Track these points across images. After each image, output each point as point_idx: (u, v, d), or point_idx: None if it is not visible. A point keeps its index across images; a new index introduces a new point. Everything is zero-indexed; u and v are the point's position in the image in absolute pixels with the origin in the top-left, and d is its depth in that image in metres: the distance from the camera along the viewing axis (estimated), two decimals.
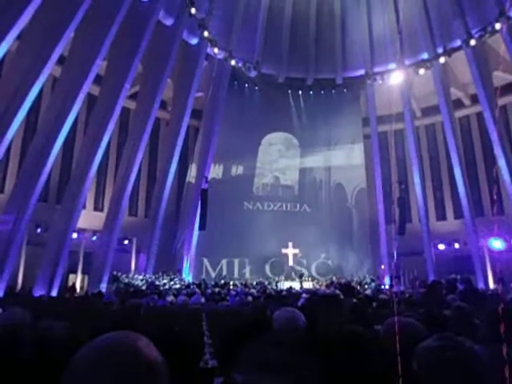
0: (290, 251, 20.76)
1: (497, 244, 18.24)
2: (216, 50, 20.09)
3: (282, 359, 1.02)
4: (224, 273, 20.17)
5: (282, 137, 24.57)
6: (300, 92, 23.62)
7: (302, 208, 23.47)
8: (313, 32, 22.81)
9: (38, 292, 14.01)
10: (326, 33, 22.70)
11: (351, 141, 23.66)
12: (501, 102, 20.05)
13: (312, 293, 10.92)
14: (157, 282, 16.99)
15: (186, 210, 20.58)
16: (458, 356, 1.19)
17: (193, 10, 18.09)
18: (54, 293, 14.63)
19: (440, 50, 20.02)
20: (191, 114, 19.98)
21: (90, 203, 19.64)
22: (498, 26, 17.72)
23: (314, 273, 20.15)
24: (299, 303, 7.93)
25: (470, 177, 20.70)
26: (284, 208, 23.32)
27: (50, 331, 2.09)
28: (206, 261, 20.86)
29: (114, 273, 17.01)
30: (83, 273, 18.53)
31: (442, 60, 19.96)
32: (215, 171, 22.28)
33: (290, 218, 21.88)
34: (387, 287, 18.13)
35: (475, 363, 1.20)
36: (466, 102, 22.42)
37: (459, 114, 22.31)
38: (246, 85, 22.82)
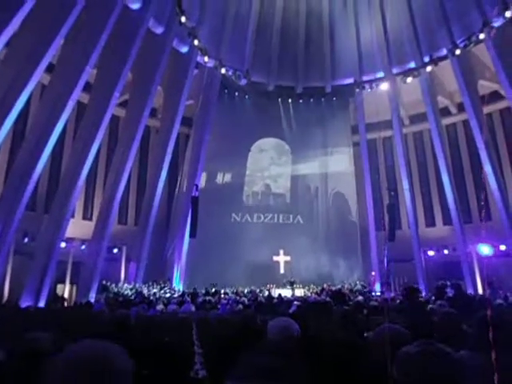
0: (282, 258, 20.75)
1: (485, 250, 18.48)
2: (206, 59, 20.18)
3: (274, 367, 1.02)
4: (215, 281, 20.00)
5: (273, 142, 24.45)
6: (290, 100, 23.81)
7: (295, 219, 23.15)
8: (302, 41, 23.10)
9: (25, 303, 13.72)
10: (315, 42, 23.00)
11: (341, 148, 23.90)
12: (486, 110, 20.44)
13: (303, 300, 10.91)
14: (145, 291, 16.79)
15: (177, 218, 20.46)
16: (438, 362, 1.20)
17: (183, 19, 18.17)
18: (41, 303, 14.36)
19: (426, 59, 20.40)
20: (181, 122, 19.97)
21: (78, 212, 19.41)
22: (482, 35, 18.14)
23: (305, 280, 20.11)
24: (290, 311, 7.92)
25: (457, 183, 20.99)
26: (276, 220, 23.02)
27: (36, 343, 2.06)
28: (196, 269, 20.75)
29: (104, 282, 16.77)
30: (71, 283, 18.23)
31: (428, 69, 20.33)
32: (204, 179, 22.25)
33: (281, 226, 21.96)
34: (378, 294, 18.20)
35: (455, 369, 1.21)
36: (453, 109, 22.84)
37: (446, 121, 22.70)
38: (236, 93, 22.95)
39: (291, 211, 23.30)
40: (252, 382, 0.96)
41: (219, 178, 23.15)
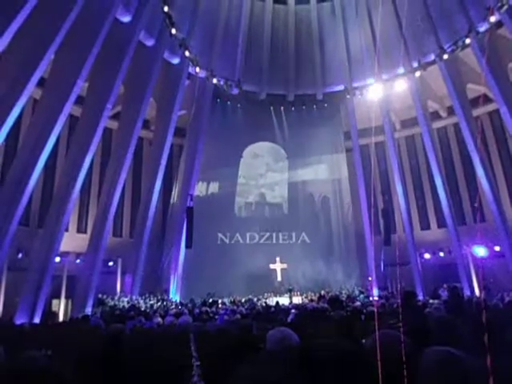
0: (278, 266, 20.69)
1: (480, 251, 18.60)
2: (197, 69, 20.30)
3: (272, 378, 1.03)
4: (211, 291, 19.87)
5: (268, 147, 23.88)
6: (282, 108, 23.96)
7: (298, 238, 21.87)
8: (292, 49, 23.35)
9: (20, 319, 13.51)
10: (305, 50, 23.27)
11: (334, 154, 24.03)
12: (476, 112, 20.72)
13: (301, 308, 10.86)
14: (142, 303, 16.63)
15: (172, 229, 20.36)
16: (459, 372, 1.20)
17: (173, 31, 18.30)
18: (36, 319, 14.15)
19: (415, 65, 20.69)
20: (174, 133, 20.00)
21: (72, 225, 19.26)
22: (468, 40, 18.46)
23: (302, 287, 20.05)
24: (289, 319, 7.88)
25: (450, 186, 21.18)
26: (274, 240, 21.70)
27: (31, 363, 2.03)
28: (218, 239, 20.93)
29: (99, 296, 16.59)
30: (67, 297, 18.00)
31: (417, 74, 20.61)
32: (199, 189, 22.19)
33: (276, 227, 21.98)
34: (376, 298, 18.17)
35: (474, 379, 1.22)
36: (443, 113, 23.13)
37: (437, 125, 22.98)
38: (229, 102, 23.06)
39: (291, 227, 22.12)
40: None
41: (213, 189, 22.59)
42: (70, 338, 6.02)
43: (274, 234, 22.08)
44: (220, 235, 21.42)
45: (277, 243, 21.56)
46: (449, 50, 19.38)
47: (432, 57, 20.14)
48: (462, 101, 19.53)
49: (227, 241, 21.48)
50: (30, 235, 16.01)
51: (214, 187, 22.61)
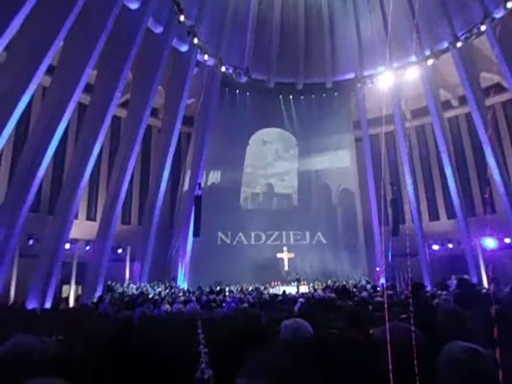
0: (286, 255, 20.75)
1: (490, 243, 18.41)
2: (206, 57, 20.15)
3: (285, 367, 1.02)
4: (219, 279, 20.03)
5: (278, 133, 23.12)
6: (291, 96, 23.74)
7: (313, 238, 21.07)
8: (302, 37, 23.00)
9: (32, 304, 13.80)
10: (315, 37, 22.90)
11: (342, 144, 23.81)
12: (489, 102, 20.31)
13: (308, 297, 10.90)
14: (150, 291, 16.83)
15: (180, 217, 20.49)
16: (484, 370, 1.18)
17: (182, 18, 18.13)
18: (47, 304, 14.43)
19: (428, 53, 20.28)
20: (183, 121, 19.95)
21: (82, 213, 19.46)
22: (483, 27, 18.01)
23: (309, 276, 20.12)
24: (296, 308, 7.91)
25: (461, 176, 20.91)
26: (284, 240, 20.79)
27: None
28: (218, 239, 20.59)
29: (109, 282, 16.84)
30: (77, 283, 18.30)
31: (429, 62, 20.21)
32: (207, 178, 22.12)
33: (284, 221, 21.73)
34: (383, 289, 18.14)
35: (496, 377, 1.20)
36: (455, 103, 22.71)
37: (448, 114, 22.59)
38: (237, 91, 22.90)
39: (301, 220, 21.31)
40: (262, 380, 0.97)
41: (218, 178, 21.99)
42: (80, 324, 6.12)
43: (285, 233, 21.32)
44: (220, 234, 20.76)
45: (283, 228, 21.25)
46: (462, 37, 18.94)
47: (445, 45, 19.71)
48: (474, 90, 19.12)
49: (229, 239, 20.86)
50: (40, 222, 16.21)
51: (219, 177, 22.10)
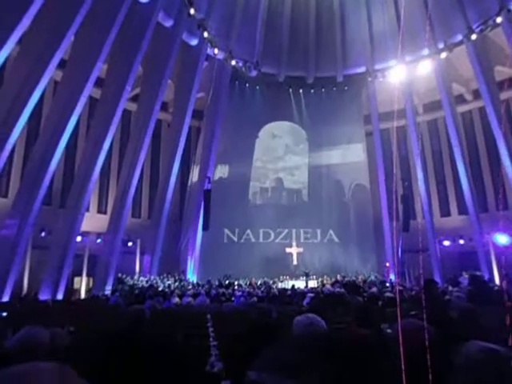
0: (294, 250, 20.74)
1: (502, 239, 18.14)
2: (216, 51, 20.08)
3: (298, 362, 1.02)
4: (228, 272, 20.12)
5: (287, 127, 22.76)
6: (301, 90, 23.56)
7: (325, 236, 20.54)
8: (312, 30, 22.76)
9: (44, 296, 14.05)
10: (326, 30, 22.64)
11: (353, 138, 23.59)
12: (503, 96, 19.91)
13: (317, 292, 10.90)
14: (160, 284, 16.98)
15: (189, 211, 20.58)
16: (502, 370, 1.16)
17: (192, 11, 18.07)
18: (59, 296, 14.67)
19: (441, 46, 19.92)
20: (192, 115, 19.96)
21: (93, 206, 19.68)
22: (499, 19, 17.61)
23: (318, 271, 20.09)
24: (304, 302, 7.92)
25: (473, 172, 20.61)
26: (294, 236, 20.13)
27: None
28: (225, 237, 20.47)
29: (119, 275, 17.04)
30: (88, 275, 18.57)
31: (443, 55, 19.86)
32: (217, 172, 22.10)
33: (294, 217, 21.70)
34: (393, 284, 18.05)
35: None
36: (468, 97, 22.32)
37: (461, 109, 22.22)
38: (247, 85, 22.80)
39: (311, 215, 20.84)
40: (274, 374, 0.96)
41: (227, 172, 21.74)
42: (92, 316, 6.21)
43: (294, 231, 20.86)
44: (227, 231, 20.45)
45: (293, 223, 21.01)
46: (477, 29, 18.55)
47: (459, 37, 19.33)
48: (489, 84, 18.75)
49: (236, 237, 20.50)
50: (52, 215, 16.43)
51: (227, 171, 21.88)
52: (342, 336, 1.49)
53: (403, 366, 1.32)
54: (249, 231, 20.67)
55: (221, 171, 21.76)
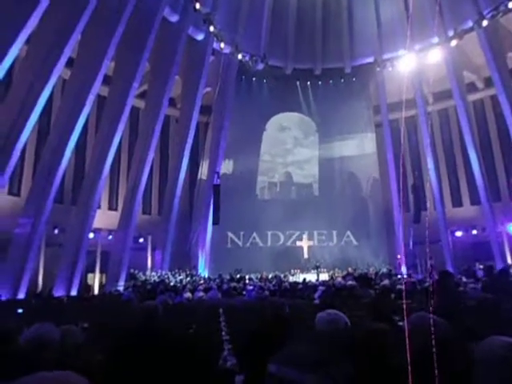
0: (305, 243, 20.70)
1: None
2: (222, 45, 19.98)
3: (319, 358, 1.02)
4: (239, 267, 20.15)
5: (296, 118, 22.25)
6: (308, 83, 23.35)
7: (341, 239, 19.72)
8: (319, 21, 22.49)
9: (58, 292, 14.29)
10: (333, 21, 22.35)
11: (362, 129, 23.35)
12: None
13: (328, 285, 10.87)
14: (172, 279, 17.12)
15: (199, 206, 20.65)
16: None
17: (197, 5, 17.97)
18: (73, 292, 14.91)
19: (451, 33, 19.51)
20: (200, 110, 19.95)
21: (104, 203, 19.87)
22: (510, 4, 17.16)
23: (329, 264, 20.03)
24: (316, 296, 7.90)
25: (485, 161, 20.27)
26: (306, 236, 19.30)
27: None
28: (229, 241, 20.30)
29: (131, 271, 17.23)
30: (101, 271, 18.81)
31: (453, 43, 19.45)
32: (226, 166, 22.05)
33: (303, 209, 21.50)
34: (404, 277, 17.94)
35: None
36: (480, 85, 21.89)
37: (473, 97, 21.82)
38: (254, 78, 22.68)
39: (322, 210, 19.85)
40: (295, 368, 0.97)
41: (235, 167, 21.39)
42: (105, 312, 6.28)
43: (307, 233, 20.20)
44: (230, 234, 19.97)
45: (303, 216, 20.76)
46: (488, 15, 18.10)
47: (469, 24, 18.89)
48: (501, 71, 18.34)
49: (241, 241, 19.91)
50: (64, 212, 16.62)
51: (232, 166, 21.49)
52: (361, 332, 1.48)
53: (411, 362, 1.30)
54: (255, 234, 19.98)
55: (225, 167, 21.39)
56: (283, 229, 20.26)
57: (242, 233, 19.77)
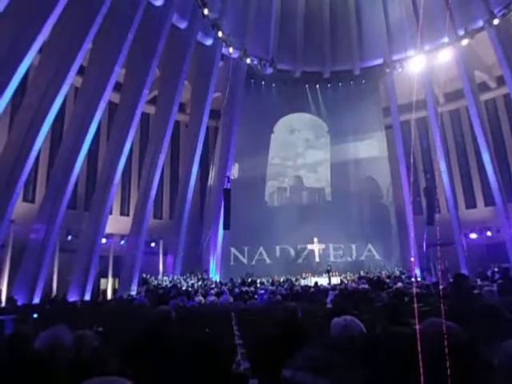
0: (316, 246, 20.55)
1: None
2: (231, 50, 20.10)
3: (332, 362, 1.02)
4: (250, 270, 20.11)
5: (307, 119, 21.72)
6: (317, 86, 23.29)
7: (362, 253, 18.51)
8: (327, 23, 22.46)
9: (72, 297, 14.45)
10: (341, 23, 22.30)
11: (373, 132, 23.15)
12: None
13: (340, 289, 10.78)
14: (183, 283, 17.17)
15: (210, 211, 20.71)
16: None
17: (205, 11, 18.14)
18: (87, 297, 15.06)
19: (461, 33, 19.31)
20: (210, 115, 20.07)
21: (116, 208, 20.06)
22: None
23: (341, 267, 19.86)
24: (328, 299, 7.84)
25: (499, 162, 19.94)
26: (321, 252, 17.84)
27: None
28: (232, 259, 20.34)
29: (144, 275, 17.34)
30: (114, 276, 18.95)
31: (464, 42, 19.25)
32: (236, 170, 21.96)
33: (315, 216, 20.86)
34: (418, 279, 17.71)
35: None
36: (492, 84, 21.58)
37: (485, 97, 21.51)
38: (263, 82, 22.73)
39: (335, 215, 18.97)
40: (310, 373, 0.97)
41: (244, 171, 20.89)
42: (119, 317, 6.33)
43: (323, 247, 19.30)
44: (233, 250, 19.44)
45: (314, 219, 20.03)
46: (499, 14, 17.89)
47: (480, 23, 18.70)
48: None
49: (244, 259, 19.38)
50: (77, 218, 16.84)
51: (238, 172, 21.07)
52: (378, 338, 1.46)
53: (423, 368, 1.28)
54: (261, 249, 19.12)
55: (236, 171, 21.04)
56: (294, 241, 19.60)
57: (246, 248, 19.06)
